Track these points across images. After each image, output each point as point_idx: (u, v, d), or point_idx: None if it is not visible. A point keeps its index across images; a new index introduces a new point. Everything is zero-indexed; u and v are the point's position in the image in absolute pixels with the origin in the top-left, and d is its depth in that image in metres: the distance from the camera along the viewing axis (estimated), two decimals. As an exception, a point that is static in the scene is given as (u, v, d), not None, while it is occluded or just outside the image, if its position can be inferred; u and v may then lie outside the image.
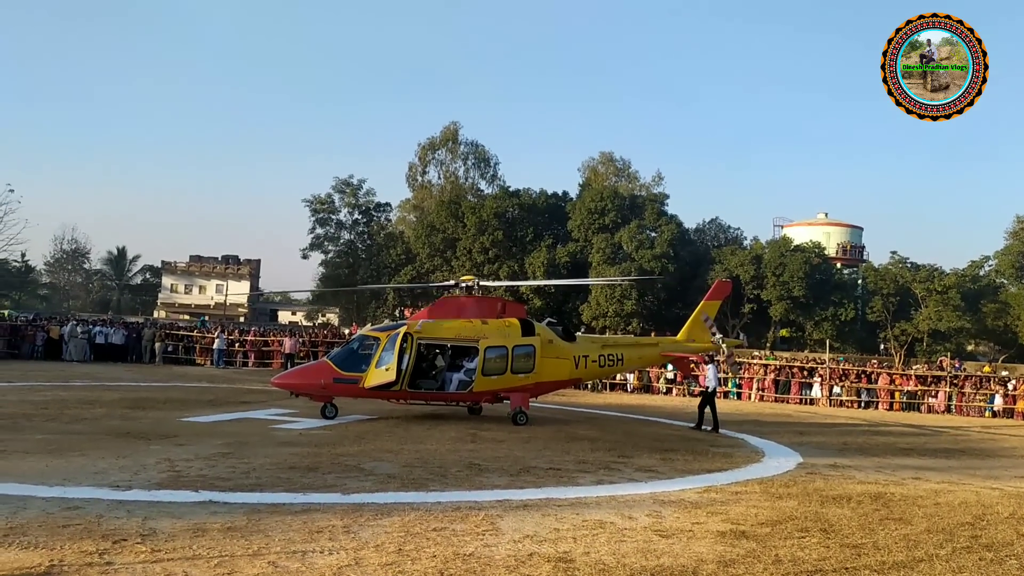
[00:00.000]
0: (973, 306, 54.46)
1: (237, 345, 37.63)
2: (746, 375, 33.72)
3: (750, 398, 32.62)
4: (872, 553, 8.50)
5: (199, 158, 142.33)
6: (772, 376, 33.37)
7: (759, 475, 13.51)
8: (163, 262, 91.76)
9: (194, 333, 38.54)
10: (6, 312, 47.99)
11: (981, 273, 57.60)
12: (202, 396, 21.99)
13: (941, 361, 42.46)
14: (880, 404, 31.88)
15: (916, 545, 8.98)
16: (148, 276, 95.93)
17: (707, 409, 19.98)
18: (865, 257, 70.18)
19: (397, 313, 55.44)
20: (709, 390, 20.25)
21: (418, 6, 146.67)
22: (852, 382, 33.12)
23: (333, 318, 79.74)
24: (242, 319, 77.45)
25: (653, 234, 59.57)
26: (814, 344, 57.74)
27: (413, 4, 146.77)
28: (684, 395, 31.62)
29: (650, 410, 25.68)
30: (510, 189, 66.54)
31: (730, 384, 33.04)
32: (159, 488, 9.89)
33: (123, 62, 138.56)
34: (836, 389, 32.68)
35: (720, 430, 19.65)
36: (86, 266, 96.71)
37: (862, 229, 73.86)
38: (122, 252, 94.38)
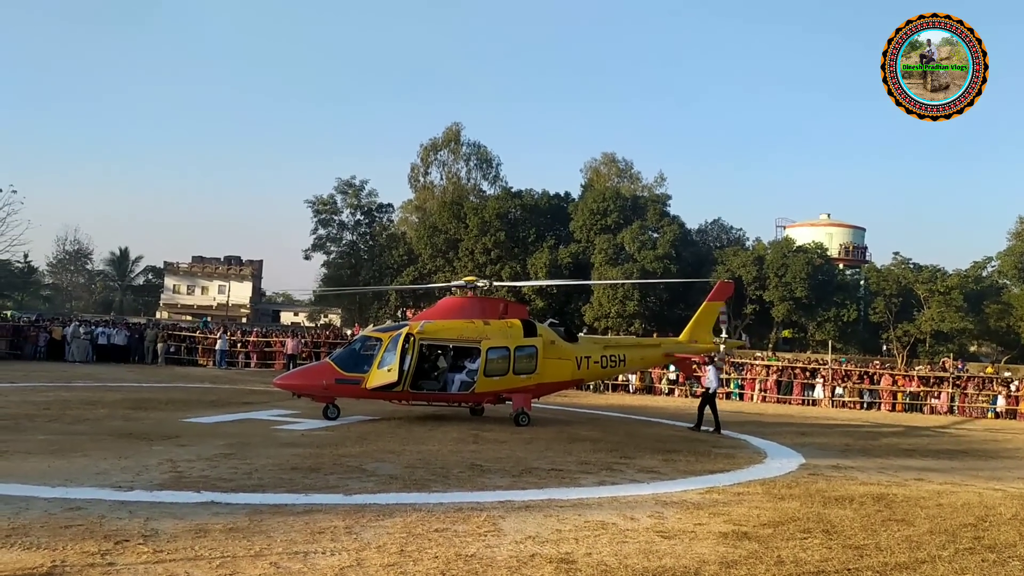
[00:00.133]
0: (976, 307, 54.40)
1: (239, 346, 37.68)
2: (748, 376, 33.71)
3: (752, 399, 32.61)
4: (874, 554, 8.49)
5: (201, 159, 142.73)
6: (774, 377, 33.36)
7: (761, 476, 13.49)
8: (165, 263, 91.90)
9: (196, 334, 38.57)
10: (9, 313, 48.05)
11: (984, 274, 57.53)
12: (204, 397, 22.00)
13: (944, 362, 42.39)
14: (882, 405, 31.84)
15: (919, 546, 8.96)
16: (150, 277, 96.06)
17: (707, 410, 19.96)
18: (868, 258, 70.18)
19: (399, 314, 55.52)
20: (710, 391, 20.23)
21: (420, 7, 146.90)
22: (854, 383, 33.10)
23: (335, 319, 79.81)
24: (244, 320, 77.50)
25: (655, 235, 59.59)
26: (816, 345, 57.74)
27: (415, 5, 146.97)
28: (686, 396, 31.59)
29: (652, 411, 25.67)
30: (512, 190, 66.58)
31: (732, 385, 33.05)
32: (161, 489, 9.89)
33: (124, 63, 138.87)
34: (838, 390, 32.67)
35: (722, 431, 19.63)
36: (88, 267, 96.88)
37: (864, 230, 73.88)
38: (124, 253, 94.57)
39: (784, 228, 71.08)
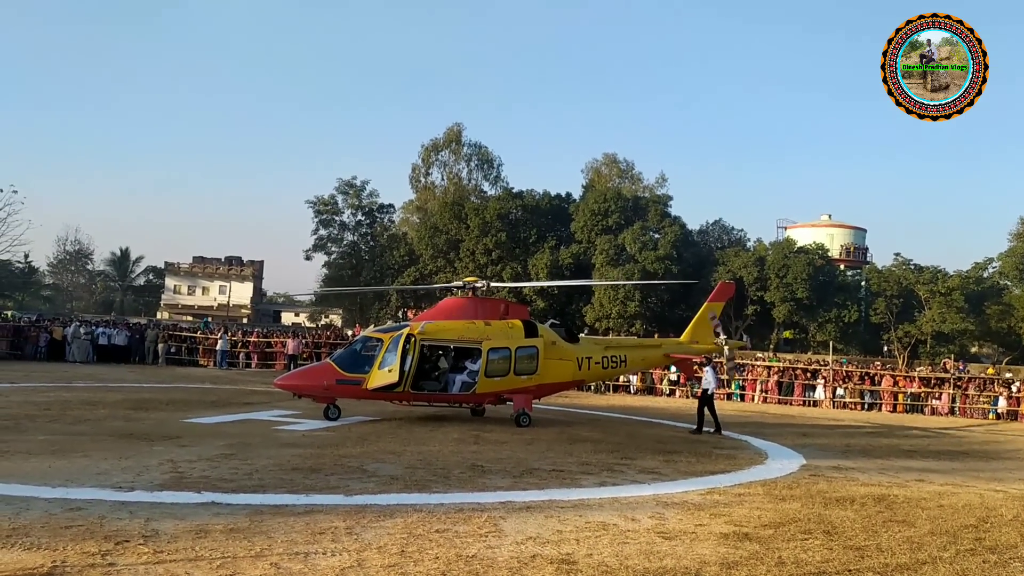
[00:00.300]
0: (977, 308, 54.38)
1: (240, 346, 37.69)
2: (749, 377, 33.70)
3: (753, 400, 32.61)
4: (875, 555, 8.48)
5: (202, 159, 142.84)
6: (775, 378, 33.36)
7: (762, 477, 13.49)
8: (166, 263, 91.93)
9: (197, 334, 38.58)
10: (9, 313, 48.09)
11: (985, 275, 57.49)
12: (205, 397, 22.01)
13: (945, 363, 42.36)
14: (883, 406, 31.83)
15: (919, 547, 8.95)
16: (151, 277, 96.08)
17: (707, 411, 19.94)
18: (869, 259, 70.16)
19: (400, 314, 55.48)
20: (708, 392, 20.22)
21: (421, 8, 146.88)
22: (855, 384, 33.09)
23: (336, 319, 79.80)
24: (245, 320, 77.52)
25: (656, 236, 59.56)
26: (817, 346, 57.71)
27: (416, 6, 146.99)
28: (687, 397, 31.57)
29: (653, 412, 25.67)
30: (513, 190, 66.58)
31: (733, 386, 33.04)
32: (162, 489, 9.89)
33: (125, 64, 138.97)
34: (839, 391, 32.66)
35: (722, 431, 19.63)
36: (89, 267, 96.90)
37: (865, 231, 73.87)
38: (125, 253, 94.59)
39: (785, 229, 71.08)
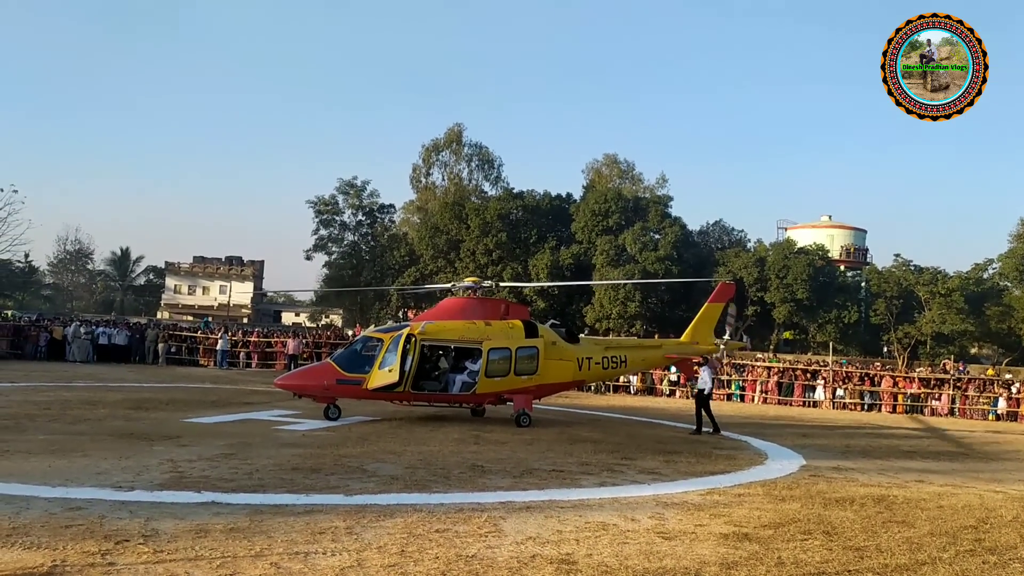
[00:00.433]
0: (977, 309, 54.40)
1: (240, 346, 37.69)
2: (749, 377, 33.71)
3: (753, 400, 32.60)
4: (875, 556, 8.49)
5: (203, 159, 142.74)
6: (775, 378, 33.36)
7: (762, 477, 13.49)
8: (166, 263, 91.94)
9: (197, 334, 38.58)
10: (10, 312, 48.09)
11: (985, 276, 57.54)
12: (205, 397, 22.01)
13: (944, 364, 42.37)
14: (883, 407, 31.83)
15: (919, 548, 8.96)
16: (151, 277, 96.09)
17: (705, 412, 19.94)
18: (869, 260, 70.20)
19: (400, 314, 55.52)
20: (705, 392, 20.20)
21: (422, 8, 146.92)
22: (855, 385, 33.09)
23: (336, 319, 79.83)
24: (245, 320, 77.52)
25: (657, 236, 59.61)
26: (817, 346, 57.76)
27: (417, 6, 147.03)
28: (687, 397, 31.53)
29: (653, 412, 25.67)
30: (514, 191, 66.64)
31: (733, 386, 33.05)
32: (162, 489, 9.89)
33: (126, 65, 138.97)
34: (839, 391, 32.66)
35: (720, 431, 19.63)
36: (89, 267, 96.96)
37: (866, 232, 73.90)
38: (125, 253, 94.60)
39: (785, 230, 71.11)
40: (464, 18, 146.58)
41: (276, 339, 38.98)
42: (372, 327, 28.42)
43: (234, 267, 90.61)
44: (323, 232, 68.17)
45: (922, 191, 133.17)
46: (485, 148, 73.57)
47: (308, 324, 79.99)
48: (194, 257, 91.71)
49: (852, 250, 71.09)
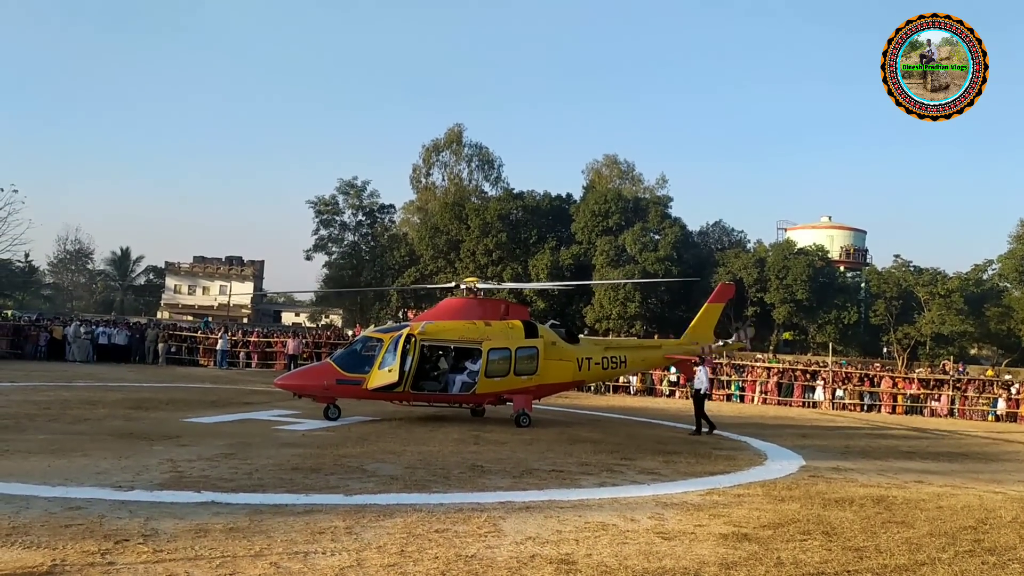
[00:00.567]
0: (976, 310, 54.41)
1: (240, 346, 37.69)
2: (749, 378, 33.71)
3: (753, 401, 32.61)
4: (874, 556, 8.49)
5: (203, 159, 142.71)
6: (775, 379, 33.37)
7: (761, 478, 13.50)
8: (167, 263, 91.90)
9: (197, 334, 38.57)
10: (10, 312, 48.07)
11: (984, 277, 57.55)
12: (205, 397, 22.01)
13: (944, 365, 42.38)
14: (883, 407, 31.83)
15: (918, 548, 8.96)
16: (151, 277, 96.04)
17: (697, 411, 19.95)
18: (868, 260, 70.20)
19: (400, 315, 55.53)
20: (701, 392, 20.22)
21: (422, 9, 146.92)
22: (855, 385, 33.09)
23: (336, 319, 79.84)
24: (245, 320, 77.51)
25: (657, 237, 59.62)
26: (817, 347, 57.76)
27: (417, 7, 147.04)
28: (687, 398, 31.52)
29: (653, 412, 25.67)
30: (514, 191, 66.63)
31: (733, 387, 33.06)
32: (161, 489, 9.90)
33: (126, 65, 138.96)
34: (839, 392, 32.67)
35: (715, 430, 19.61)
36: (89, 267, 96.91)
37: (865, 232, 73.91)
38: (126, 253, 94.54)
39: (785, 230, 71.14)
40: (464, 18, 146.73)
41: (276, 339, 38.97)
42: (372, 327, 28.43)
43: (234, 267, 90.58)
44: (323, 232, 68.24)
45: (922, 192, 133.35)
46: (485, 148, 73.65)
47: (308, 324, 80.00)
48: (194, 257, 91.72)
49: (852, 251, 71.11)
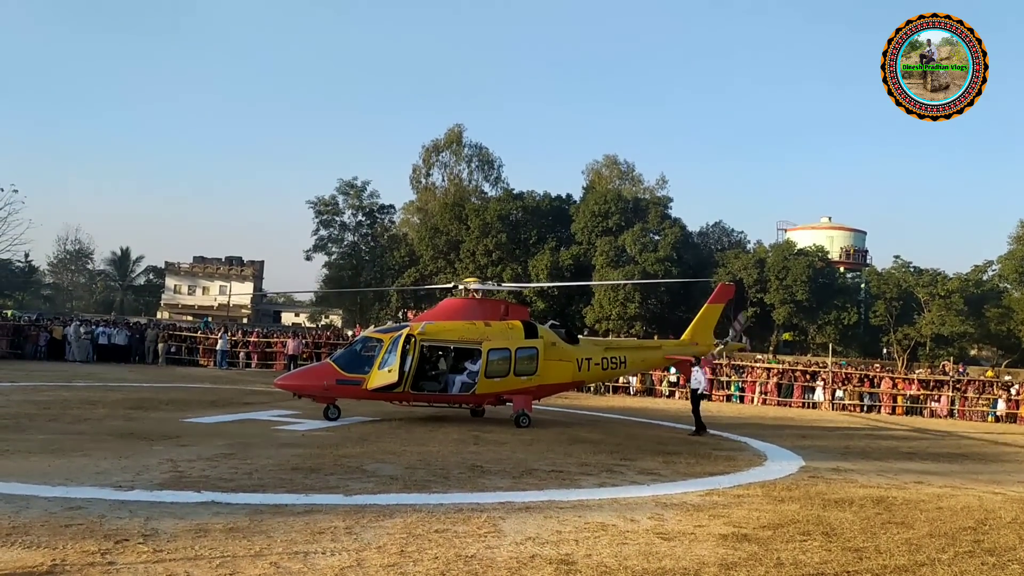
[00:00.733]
0: (976, 311, 54.39)
1: (240, 346, 37.69)
2: (749, 378, 33.71)
3: (753, 401, 32.61)
4: (874, 557, 8.50)
5: (203, 159, 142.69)
6: (775, 379, 33.36)
7: (761, 478, 13.51)
8: (166, 263, 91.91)
9: (197, 334, 38.58)
10: (9, 312, 48.06)
11: (984, 278, 57.51)
12: (205, 397, 22.02)
13: (944, 365, 42.36)
14: (882, 408, 31.82)
15: (918, 549, 8.97)
16: (151, 277, 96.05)
17: (702, 409, 19.95)
18: (868, 261, 70.22)
19: (400, 315, 55.53)
20: (698, 392, 20.25)
21: (422, 9, 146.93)
22: (855, 386, 33.08)
23: (336, 320, 79.85)
24: (245, 320, 77.52)
25: (657, 237, 59.62)
26: (817, 348, 57.78)
27: (417, 7, 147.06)
28: (687, 398, 31.51)
29: (653, 413, 25.68)
30: (514, 192, 66.60)
31: (733, 388, 33.07)
32: (161, 488, 9.90)
33: (126, 65, 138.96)
34: (839, 393, 32.66)
35: (706, 431, 19.58)
36: (89, 267, 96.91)
37: (865, 233, 73.93)
38: (125, 253, 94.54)
39: (785, 231, 71.17)
40: (464, 18, 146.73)
41: (276, 339, 38.98)
42: (372, 327, 28.43)
43: (234, 267, 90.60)
44: (323, 232, 68.24)
45: (922, 192, 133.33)
46: (485, 149, 73.62)
47: (308, 324, 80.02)
48: (194, 257, 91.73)
49: (852, 251, 71.14)
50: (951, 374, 35.42)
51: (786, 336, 62.62)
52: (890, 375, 35.14)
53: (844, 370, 35.00)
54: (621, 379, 32.08)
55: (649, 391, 33.82)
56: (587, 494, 11.16)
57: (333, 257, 68.80)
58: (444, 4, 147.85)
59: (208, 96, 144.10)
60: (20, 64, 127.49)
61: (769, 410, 30.38)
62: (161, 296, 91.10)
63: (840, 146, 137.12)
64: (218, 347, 35.98)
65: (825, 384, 32.77)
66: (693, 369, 20.68)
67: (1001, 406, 31.13)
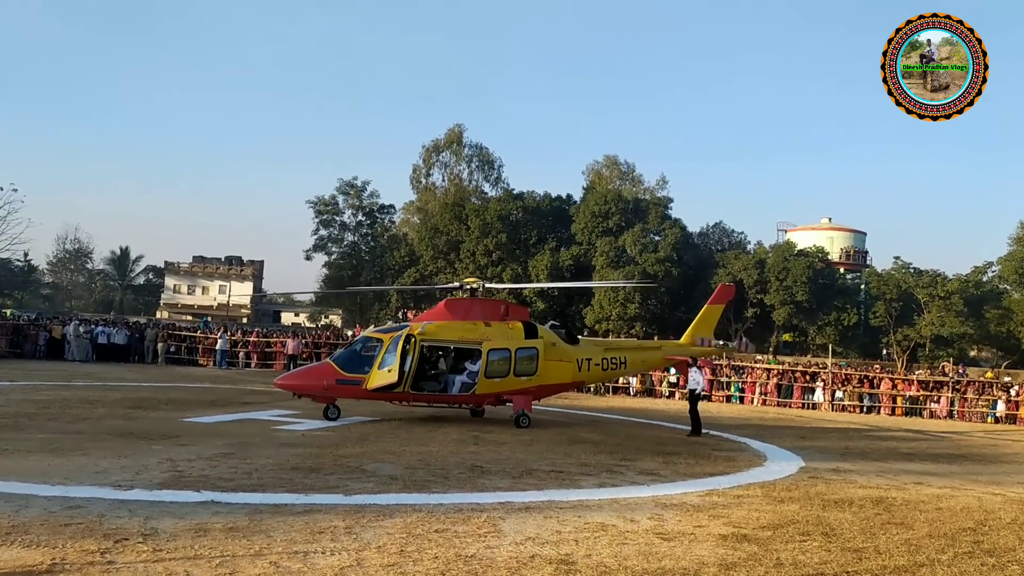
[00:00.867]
0: (976, 312, 54.45)
1: (240, 346, 37.68)
2: (749, 379, 33.72)
3: (753, 402, 32.61)
4: (873, 557, 8.50)
5: (202, 159, 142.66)
6: (775, 380, 33.37)
7: (761, 479, 13.50)
8: (166, 262, 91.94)
9: (197, 334, 38.56)
10: (9, 311, 48.05)
11: (984, 279, 57.58)
12: (204, 397, 22.00)
13: (943, 366, 42.37)
14: (882, 409, 31.82)
15: (917, 550, 8.97)
16: (151, 276, 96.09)
17: (699, 410, 19.94)
18: (868, 262, 70.27)
19: (400, 315, 55.52)
20: (696, 392, 20.24)
21: (423, 9, 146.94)
22: (854, 387, 33.07)
23: (336, 320, 79.84)
24: (245, 320, 77.53)
25: (657, 238, 59.67)
26: (817, 349, 57.81)
27: (417, 6, 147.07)
28: (687, 399, 31.53)
29: (652, 414, 25.66)
30: (514, 192, 66.65)
31: (732, 388, 33.07)
32: (161, 488, 9.89)
33: (126, 65, 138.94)
34: (838, 394, 32.65)
35: (701, 432, 19.55)
36: (89, 266, 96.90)
37: (865, 234, 74.00)
38: (125, 252, 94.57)
39: (785, 232, 71.27)
40: (464, 18, 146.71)
41: (275, 339, 38.97)
42: (372, 327, 28.43)
43: (234, 267, 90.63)
44: (323, 232, 68.29)
45: (922, 193, 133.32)
46: (485, 149, 73.67)
47: (307, 324, 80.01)
48: (194, 257, 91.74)
49: (852, 252, 71.21)
50: (951, 375, 35.41)
51: (786, 337, 62.65)
52: (890, 376, 35.15)
53: (844, 371, 35.00)
54: (621, 380, 32.08)
55: (649, 392, 33.81)
56: (587, 494, 11.15)
57: (333, 257, 68.85)
58: (444, 4, 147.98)
59: (208, 96, 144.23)
60: (20, 64, 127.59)
61: (769, 411, 30.38)
62: (161, 296, 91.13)
63: (840, 146, 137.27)
64: (218, 347, 35.95)
65: (825, 385, 32.77)
66: (690, 370, 20.67)
67: (1001, 407, 31.13)
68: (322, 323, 78.45)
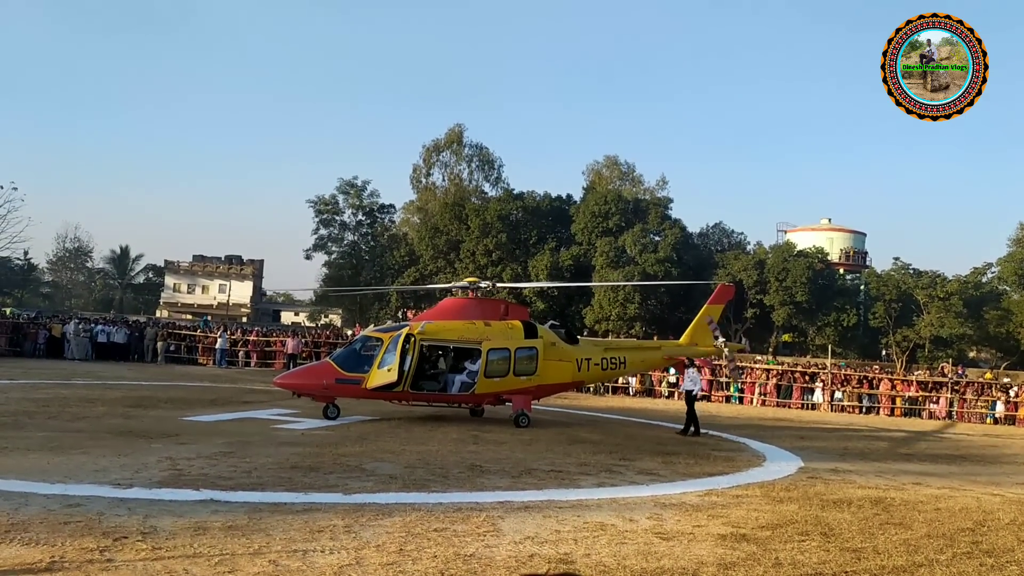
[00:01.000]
0: (975, 313, 54.46)
1: (239, 345, 37.69)
2: (748, 379, 33.72)
3: (752, 402, 32.62)
4: (872, 557, 8.51)
5: (202, 159, 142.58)
6: (774, 381, 33.38)
7: (760, 479, 13.51)
8: (166, 261, 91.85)
9: (196, 333, 38.57)
10: (9, 310, 48.06)
11: (984, 280, 57.59)
12: (204, 396, 22.01)
13: (943, 367, 42.39)
14: (881, 410, 31.82)
15: (916, 550, 8.98)
16: (151, 275, 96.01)
17: (697, 409, 19.95)
18: (868, 263, 70.26)
19: (400, 314, 55.49)
20: (693, 392, 20.23)
21: (423, 9, 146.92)
22: (854, 387, 33.08)
23: (336, 319, 79.82)
24: (245, 319, 77.53)
25: (657, 238, 59.64)
26: (816, 349, 57.79)
27: (417, 6, 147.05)
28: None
29: (652, 414, 25.68)
30: (514, 192, 66.61)
31: (732, 388, 33.08)
32: (160, 486, 9.90)
33: (126, 64, 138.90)
34: (838, 394, 32.66)
35: (691, 432, 19.55)
36: (88, 265, 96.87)
37: (865, 235, 73.97)
38: (125, 251, 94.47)
39: (785, 232, 71.21)
40: (465, 18, 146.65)
41: (275, 338, 38.98)
42: (371, 327, 28.43)
43: (234, 266, 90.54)
44: (323, 232, 68.20)
45: (921, 194, 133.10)
46: (485, 149, 73.53)
47: (307, 324, 79.99)
48: (194, 256, 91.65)
49: (851, 253, 71.18)
50: (950, 376, 35.42)
51: (785, 337, 62.65)
52: (889, 376, 35.16)
53: (843, 371, 35.02)
54: (620, 380, 32.09)
55: (648, 392, 33.80)
56: (586, 494, 11.16)
57: (333, 256, 68.81)
58: (445, 4, 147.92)
59: (208, 96, 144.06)
60: (20, 64, 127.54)
61: (768, 411, 30.39)
62: (160, 294, 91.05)
63: (840, 147, 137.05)
64: (217, 346, 35.96)
65: (824, 385, 32.78)
66: (687, 370, 20.69)
67: (1000, 408, 31.14)
68: (322, 322, 78.44)
